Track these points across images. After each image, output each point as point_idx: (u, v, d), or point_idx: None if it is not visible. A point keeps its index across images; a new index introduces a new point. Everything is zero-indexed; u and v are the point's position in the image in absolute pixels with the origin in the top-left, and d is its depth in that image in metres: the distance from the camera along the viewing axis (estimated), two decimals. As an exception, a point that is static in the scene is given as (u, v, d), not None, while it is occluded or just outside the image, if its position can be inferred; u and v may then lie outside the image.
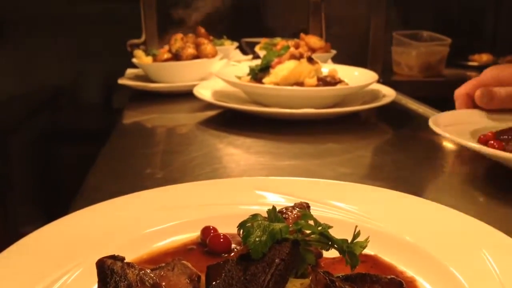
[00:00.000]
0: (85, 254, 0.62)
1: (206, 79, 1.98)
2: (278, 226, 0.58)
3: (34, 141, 3.40)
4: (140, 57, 2.06)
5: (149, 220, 0.70)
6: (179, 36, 2.14)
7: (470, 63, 3.79)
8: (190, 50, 2.04)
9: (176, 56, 2.04)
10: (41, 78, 3.35)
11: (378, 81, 1.73)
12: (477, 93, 1.30)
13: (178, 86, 1.97)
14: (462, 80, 1.43)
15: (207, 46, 2.08)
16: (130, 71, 2.23)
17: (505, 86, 1.31)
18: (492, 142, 1.08)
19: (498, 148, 1.05)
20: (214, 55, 2.09)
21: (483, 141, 1.11)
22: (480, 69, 1.89)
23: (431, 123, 1.14)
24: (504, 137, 1.10)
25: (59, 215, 0.72)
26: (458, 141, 1.06)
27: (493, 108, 1.29)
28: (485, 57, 3.81)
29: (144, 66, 2.05)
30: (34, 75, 3.34)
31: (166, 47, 2.11)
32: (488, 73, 1.35)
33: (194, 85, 1.78)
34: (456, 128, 1.18)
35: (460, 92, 1.37)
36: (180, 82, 1.99)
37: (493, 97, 1.28)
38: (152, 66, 2.02)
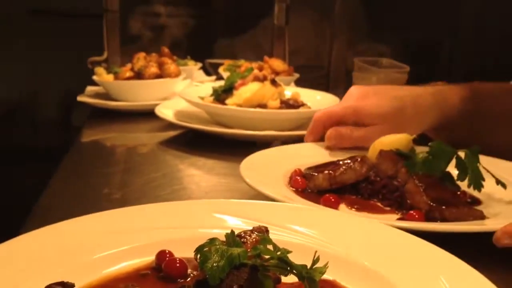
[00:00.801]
0: (33, 280, 0.58)
1: (169, 99, 1.95)
2: (236, 251, 0.57)
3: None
4: (101, 75, 2.02)
5: (101, 244, 0.67)
6: (142, 55, 2.12)
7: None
8: (153, 69, 2.02)
9: (139, 75, 2.01)
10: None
11: (340, 105, 1.75)
12: (328, 133, 1.26)
13: (140, 105, 1.94)
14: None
15: (171, 66, 2.07)
16: (90, 89, 2.18)
17: (362, 121, 1.25)
18: (298, 178, 1.07)
19: (301, 185, 1.05)
20: (177, 75, 2.07)
21: (293, 176, 1.09)
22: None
23: (243, 165, 1.08)
24: (308, 173, 1.08)
25: (9, 236, 0.68)
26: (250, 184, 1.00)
27: (343, 147, 1.25)
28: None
29: (105, 84, 2.01)
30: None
31: (129, 66, 2.09)
32: (350, 103, 1.29)
33: (156, 105, 1.75)
34: (280, 163, 1.14)
35: (317, 118, 1.31)
36: (142, 101, 1.96)
37: (343, 140, 1.24)
38: (113, 84, 1.99)
